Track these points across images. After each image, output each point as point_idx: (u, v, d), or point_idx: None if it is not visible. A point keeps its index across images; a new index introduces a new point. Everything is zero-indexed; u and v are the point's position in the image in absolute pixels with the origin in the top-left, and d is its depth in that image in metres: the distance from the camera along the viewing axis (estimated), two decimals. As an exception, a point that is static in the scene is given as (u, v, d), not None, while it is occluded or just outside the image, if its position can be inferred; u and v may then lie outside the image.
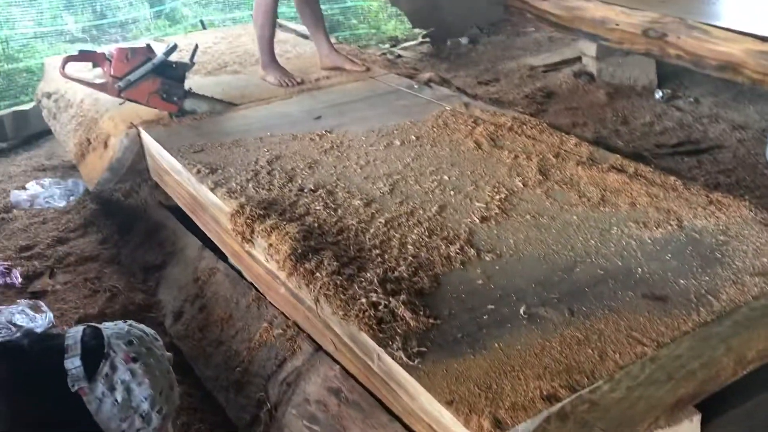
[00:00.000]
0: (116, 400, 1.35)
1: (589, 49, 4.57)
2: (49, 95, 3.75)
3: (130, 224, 3.08)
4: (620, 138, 3.76)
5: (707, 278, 1.61)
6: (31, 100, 4.54)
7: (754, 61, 3.38)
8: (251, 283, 2.17)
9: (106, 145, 2.94)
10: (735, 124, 3.81)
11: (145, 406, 1.36)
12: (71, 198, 3.48)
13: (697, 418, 1.49)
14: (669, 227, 1.83)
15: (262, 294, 2.08)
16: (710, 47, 3.56)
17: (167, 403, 1.41)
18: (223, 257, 2.40)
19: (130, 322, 1.49)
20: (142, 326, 1.50)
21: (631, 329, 1.46)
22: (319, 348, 1.78)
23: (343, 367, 1.68)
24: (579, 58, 4.79)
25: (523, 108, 4.11)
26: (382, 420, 1.48)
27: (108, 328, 1.45)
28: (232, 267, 2.33)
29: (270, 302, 2.03)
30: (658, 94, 4.30)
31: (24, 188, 3.62)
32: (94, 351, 1.37)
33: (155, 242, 2.84)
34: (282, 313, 1.97)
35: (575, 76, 4.63)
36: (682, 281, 1.60)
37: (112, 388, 1.35)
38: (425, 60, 5.53)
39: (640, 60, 4.39)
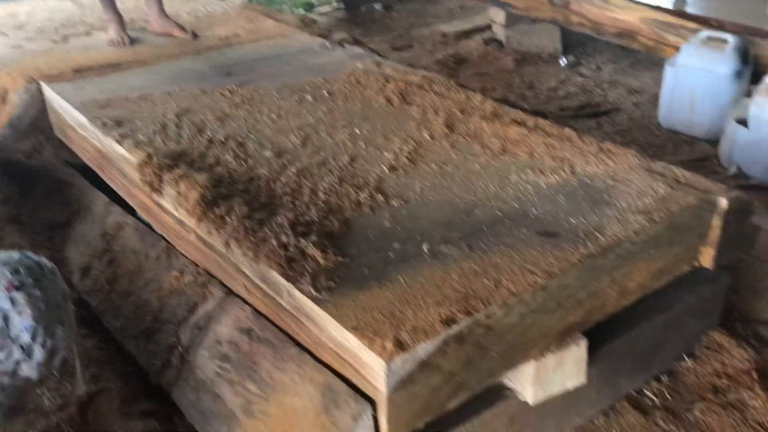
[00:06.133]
0: None
1: (499, 16, 4.70)
2: (-61, 50, 3.54)
3: (32, 184, 2.97)
4: (526, 102, 3.91)
5: (595, 217, 1.73)
6: None
7: (648, 29, 3.59)
8: (161, 235, 2.15)
9: (3, 101, 2.82)
10: (632, 88, 4.04)
11: (26, 337, 1.32)
12: (-33, 158, 3.31)
13: (583, 343, 1.61)
14: (563, 173, 1.95)
15: (171, 245, 2.08)
16: (609, 15, 3.76)
17: (53, 338, 1.36)
18: (131, 212, 2.37)
19: (26, 252, 1.45)
20: (40, 259, 1.45)
21: (525, 262, 1.56)
22: (230, 292, 1.80)
23: (254, 309, 1.71)
24: (489, 26, 4.92)
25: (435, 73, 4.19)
26: (291, 353, 1.53)
27: None
28: (141, 221, 2.31)
29: (180, 252, 2.03)
30: (563, 61, 4.48)
31: None
32: None
33: (59, 200, 2.75)
34: (193, 262, 1.97)
35: (485, 43, 4.76)
36: (572, 220, 1.72)
37: None
38: (339, 25, 5.52)
39: (546, 28, 4.56)
